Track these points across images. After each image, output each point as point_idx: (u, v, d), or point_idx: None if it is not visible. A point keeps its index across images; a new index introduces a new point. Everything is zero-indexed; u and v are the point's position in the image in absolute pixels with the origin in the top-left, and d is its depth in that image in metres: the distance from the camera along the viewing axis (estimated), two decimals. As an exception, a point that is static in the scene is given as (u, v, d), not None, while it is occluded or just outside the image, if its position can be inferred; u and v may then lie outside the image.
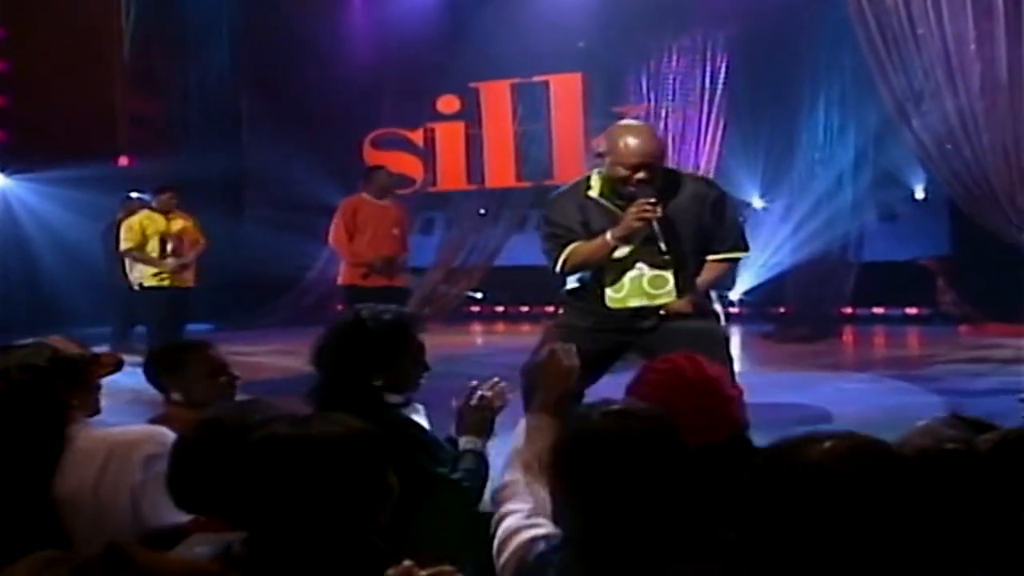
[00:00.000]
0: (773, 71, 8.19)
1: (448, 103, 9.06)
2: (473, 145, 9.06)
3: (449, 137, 9.08)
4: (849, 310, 8.10)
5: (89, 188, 7.92)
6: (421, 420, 2.21)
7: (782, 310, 8.39)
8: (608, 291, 2.97)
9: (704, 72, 8.68)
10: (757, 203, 8.95)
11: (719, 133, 8.79)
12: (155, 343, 6.14)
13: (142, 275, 6.43)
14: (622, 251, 2.91)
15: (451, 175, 8.85)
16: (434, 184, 9.02)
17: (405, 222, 6.29)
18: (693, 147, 8.86)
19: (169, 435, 1.74)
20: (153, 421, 2.14)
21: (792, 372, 5.91)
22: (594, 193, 2.96)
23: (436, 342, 5.80)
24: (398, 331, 2.12)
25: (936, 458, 1.21)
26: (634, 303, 2.94)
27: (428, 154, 9.01)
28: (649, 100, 8.87)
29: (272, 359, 6.79)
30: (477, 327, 9.01)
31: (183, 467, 1.52)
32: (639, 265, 2.92)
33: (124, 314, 7.41)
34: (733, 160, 8.80)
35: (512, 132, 8.95)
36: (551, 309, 10.27)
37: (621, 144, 2.81)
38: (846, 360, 6.07)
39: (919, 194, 8.42)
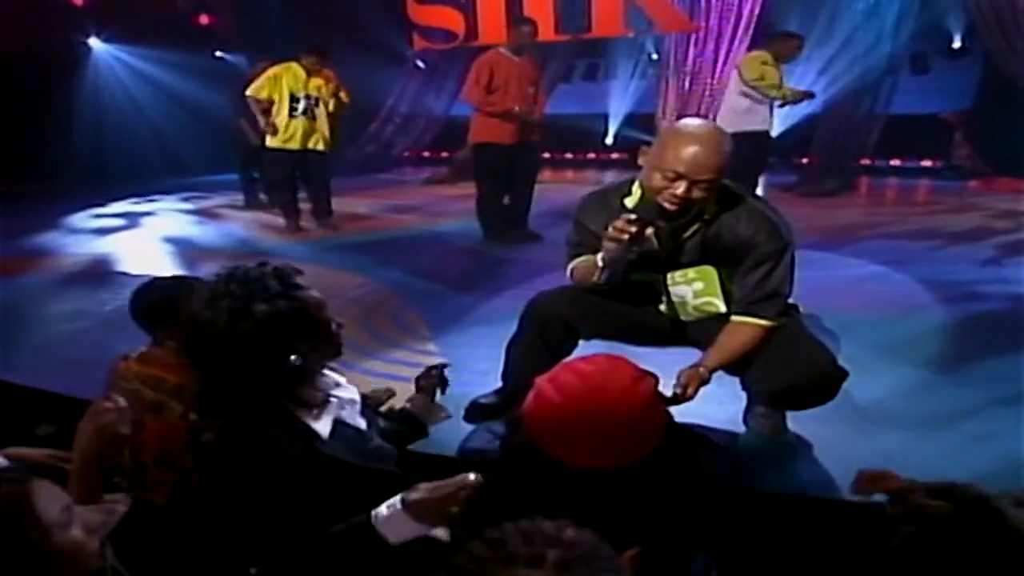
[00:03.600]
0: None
1: (489, -47, 8.74)
2: (513, -3, 8.80)
3: (489, -10, 8.82)
4: (868, 161, 8.09)
5: (175, 47, 8.32)
6: (352, 400, 1.69)
7: (806, 160, 8.43)
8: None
9: (752, -81, 8.18)
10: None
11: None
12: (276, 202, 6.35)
13: (268, 135, 6.01)
14: (644, 274, 2.29)
15: (492, 29, 8.62)
16: (476, 38, 8.85)
17: (539, 81, 5.70)
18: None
19: None
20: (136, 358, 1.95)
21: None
22: (630, 202, 2.22)
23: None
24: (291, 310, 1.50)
25: None
26: (683, 318, 2.39)
27: (469, 8, 8.85)
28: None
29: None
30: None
31: None
32: (679, 290, 2.32)
33: (248, 168, 7.30)
34: (778, 6, 8.50)
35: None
36: (592, 156, 10.54)
37: (670, 144, 2.03)
38: (861, 223, 6.16)
39: (956, 43, 8.09)
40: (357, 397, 1.72)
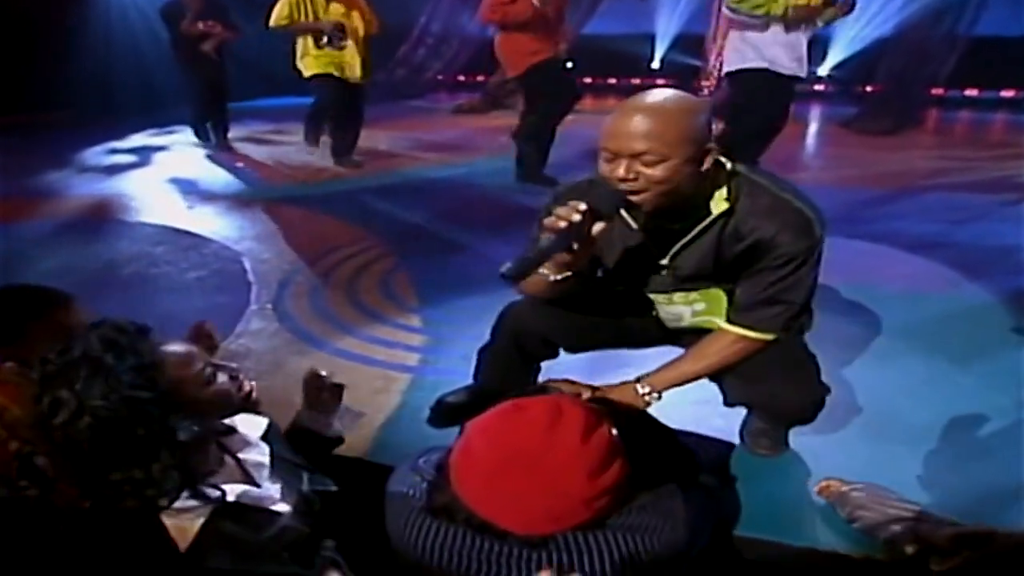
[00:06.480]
0: None
1: None
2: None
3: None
4: (939, 91, 7.37)
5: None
6: (261, 464, 1.42)
7: (869, 89, 7.78)
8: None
9: None
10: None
11: None
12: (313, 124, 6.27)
13: (304, 64, 5.76)
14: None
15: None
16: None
17: (564, 6, 5.30)
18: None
19: None
20: None
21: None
22: None
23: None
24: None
25: None
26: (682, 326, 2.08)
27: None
28: None
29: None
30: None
31: None
32: (676, 310, 2.00)
33: (198, 99, 6.91)
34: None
35: None
36: (637, 82, 9.96)
37: (607, 121, 1.64)
38: (920, 168, 5.61)
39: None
40: (266, 458, 1.42)
